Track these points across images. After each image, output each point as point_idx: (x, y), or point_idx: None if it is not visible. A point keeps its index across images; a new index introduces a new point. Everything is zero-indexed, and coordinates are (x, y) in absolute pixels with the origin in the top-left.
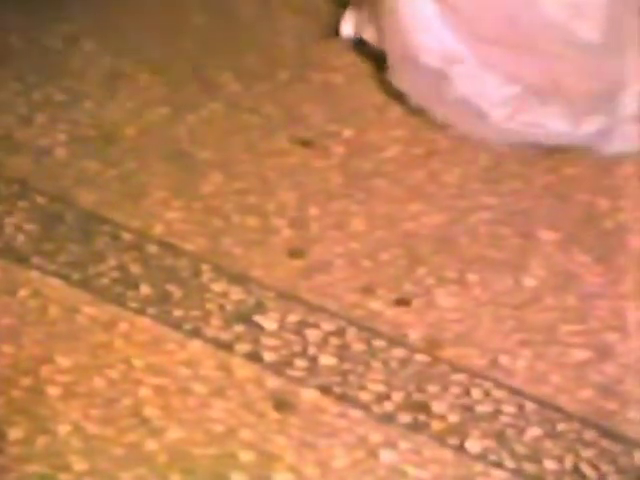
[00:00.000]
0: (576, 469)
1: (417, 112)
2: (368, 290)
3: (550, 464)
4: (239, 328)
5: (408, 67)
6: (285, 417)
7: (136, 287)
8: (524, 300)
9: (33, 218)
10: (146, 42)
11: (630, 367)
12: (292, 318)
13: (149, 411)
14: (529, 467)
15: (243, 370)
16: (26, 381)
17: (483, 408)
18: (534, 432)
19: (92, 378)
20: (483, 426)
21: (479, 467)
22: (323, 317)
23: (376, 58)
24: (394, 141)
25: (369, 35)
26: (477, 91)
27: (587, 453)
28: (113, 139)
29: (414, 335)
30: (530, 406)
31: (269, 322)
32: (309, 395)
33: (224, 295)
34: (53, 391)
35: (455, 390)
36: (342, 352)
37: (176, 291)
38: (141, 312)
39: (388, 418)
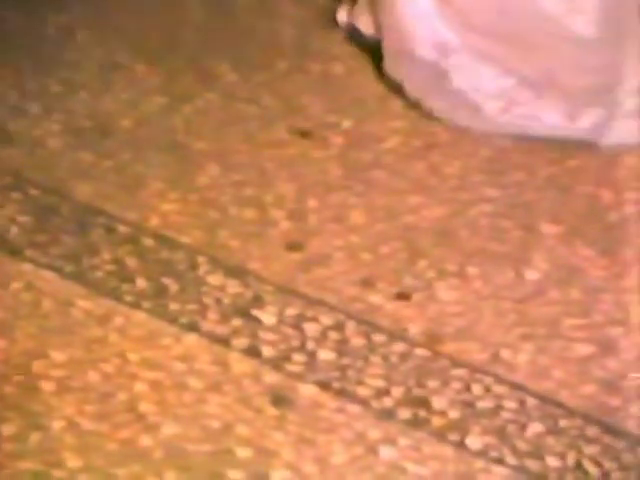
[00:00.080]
0: (579, 466)
1: (417, 103)
2: (367, 284)
3: (552, 461)
4: (236, 322)
5: (404, 60)
6: (283, 413)
7: (131, 280)
8: (526, 294)
9: (26, 210)
10: (142, 32)
11: (634, 362)
12: (290, 312)
13: (144, 406)
14: (531, 464)
15: (240, 365)
16: (19, 376)
17: (484, 404)
18: (536, 428)
19: (86, 373)
20: (484, 422)
21: (480, 464)
22: (322, 311)
23: (376, 48)
24: (394, 132)
25: (364, 25)
26: (472, 83)
27: (590, 450)
28: (108, 130)
29: (414, 329)
30: (532, 402)
31: (267, 316)
32: (307, 390)
33: (221, 288)
34: (47, 386)
35: (456, 385)
36: (341, 347)
37: (172, 284)
38: (136, 306)
39: (388, 414)
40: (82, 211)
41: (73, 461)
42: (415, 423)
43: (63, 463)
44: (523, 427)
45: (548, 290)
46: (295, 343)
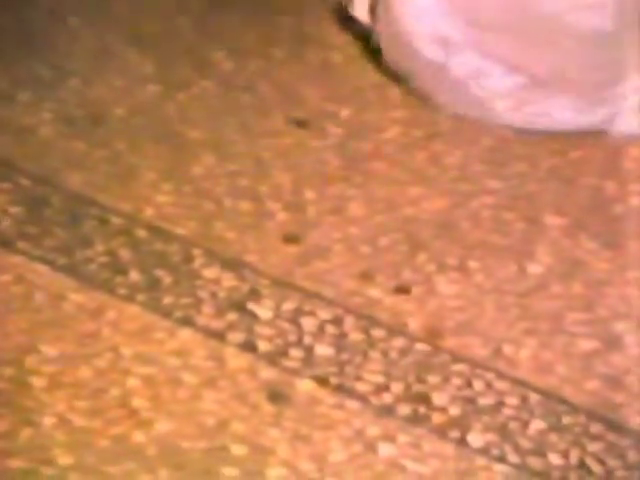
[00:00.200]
0: (582, 464)
1: (417, 93)
2: (366, 277)
3: (555, 458)
4: (232, 316)
5: (403, 53)
6: (279, 409)
7: (125, 273)
8: (529, 287)
9: (17, 200)
10: (135, 17)
11: (638, 358)
12: (287, 306)
13: (137, 402)
14: (533, 462)
15: (236, 360)
16: (10, 371)
17: (485, 400)
18: (538, 425)
19: (78, 368)
20: (485, 419)
21: (481, 462)
22: (320, 305)
23: (374, 37)
24: (393, 122)
25: (362, 14)
26: (477, 79)
27: (593, 447)
28: (101, 119)
29: (414, 324)
30: (534, 398)
31: (263, 310)
32: (304, 386)
33: (216, 282)
34: (38, 382)
35: (457, 381)
36: (339, 341)
37: (166, 277)
38: (130, 299)
39: (387, 410)
40: (74, 202)
41: (64, 458)
42: (415, 420)
43: (54, 460)
44: (525, 424)
45: (551, 284)
46: (292, 338)
